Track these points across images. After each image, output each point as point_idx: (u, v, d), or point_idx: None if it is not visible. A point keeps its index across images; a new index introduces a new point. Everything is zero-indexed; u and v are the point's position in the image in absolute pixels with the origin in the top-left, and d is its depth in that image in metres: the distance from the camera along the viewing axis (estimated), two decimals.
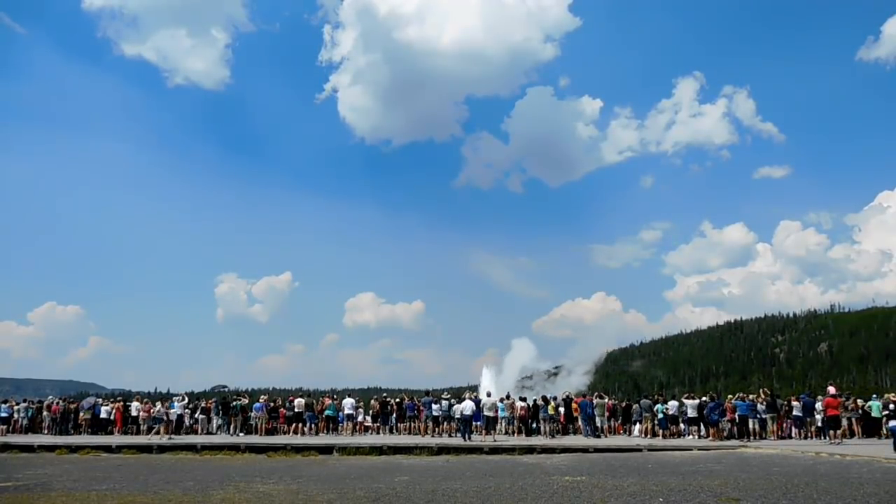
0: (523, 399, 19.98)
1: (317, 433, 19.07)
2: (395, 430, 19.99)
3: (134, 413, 20.56)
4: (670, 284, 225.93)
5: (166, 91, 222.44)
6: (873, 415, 16.89)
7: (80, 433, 19.81)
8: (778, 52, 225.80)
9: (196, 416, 20.09)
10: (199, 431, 19.63)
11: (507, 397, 20.27)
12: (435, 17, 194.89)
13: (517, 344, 40.63)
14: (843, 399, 17.30)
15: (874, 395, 17.94)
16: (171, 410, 19.57)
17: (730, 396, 18.59)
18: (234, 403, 20.07)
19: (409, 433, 19.30)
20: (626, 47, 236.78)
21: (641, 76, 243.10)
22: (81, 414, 20.23)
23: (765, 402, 17.57)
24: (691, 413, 17.84)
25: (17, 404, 21.61)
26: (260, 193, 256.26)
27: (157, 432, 18.53)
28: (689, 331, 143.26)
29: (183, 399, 21.11)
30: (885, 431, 16.13)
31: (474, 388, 32.65)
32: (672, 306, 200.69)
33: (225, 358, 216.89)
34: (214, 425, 20.02)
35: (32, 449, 15.80)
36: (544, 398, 19.74)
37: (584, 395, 22.00)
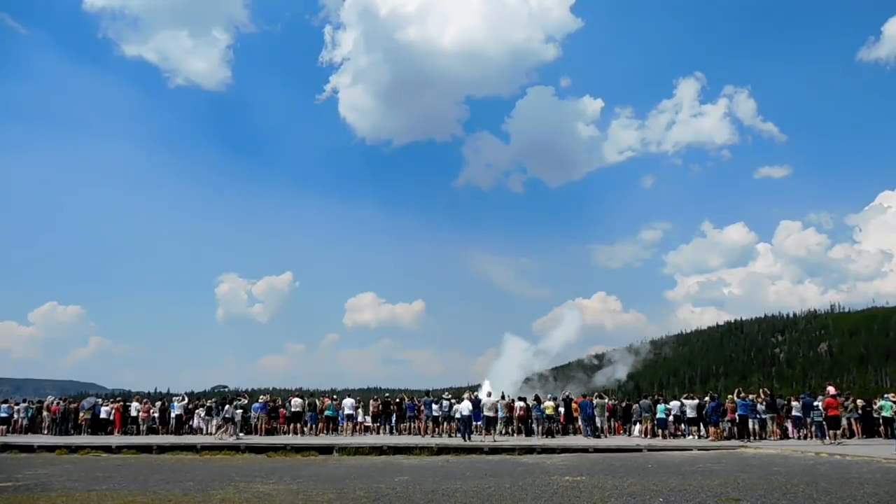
0: (522, 399, 19.97)
1: (317, 433, 19.08)
2: (395, 431, 20.00)
3: (133, 413, 20.59)
4: (670, 284, 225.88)
5: (167, 92, 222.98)
6: (885, 415, 16.86)
7: (80, 433, 19.81)
8: (779, 53, 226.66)
9: (200, 414, 20.18)
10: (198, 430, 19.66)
11: (503, 397, 20.21)
12: (436, 17, 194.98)
13: (566, 315, 37.72)
14: (843, 399, 17.30)
15: (885, 396, 17.89)
16: (228, 409, 18.78)
17: (730, 396, 18.57)
18: (235, 403, 20.03)
19: (409, 433, 19.30)
20: (627, 48, 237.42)
21: (642, 76, 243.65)
22: (81, 414, 20.22)
23: (765, 402, 17.57)
24: (691, 413, 17.84)
25: (17, 404, 21.62)
26: (261, 194, 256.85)
27: (226, 431, 18.04)
28: (689, 331, 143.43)
29: (183, 399, 21.11)
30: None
31: (475, 388, 32.45)
32: (672, 306, 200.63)
33: (225, 358, 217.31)
34: (214, 425, 20.01)
35: (32, 449, 15.79)
36: (537, 398, 19.76)
37: (584, 395, 22.01)
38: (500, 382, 34.17)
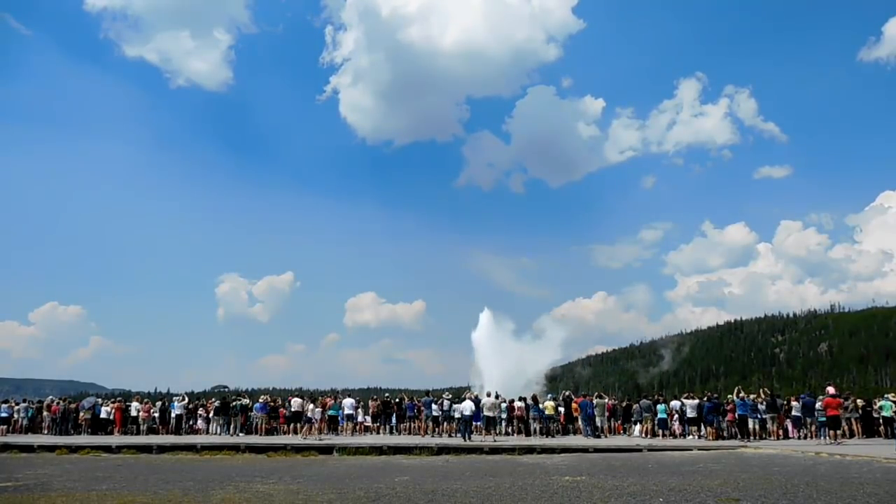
0: (522, 399, 19.95)
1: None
2: (395, 431, 19.99)
3: (134, 413, 20.59)
4: (671, 284, 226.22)
5: (168, 92, 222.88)
6: (885, 415, 16.87)
7: (80, 433, 19.81)
8: (780, 53, 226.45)
9: (209, 416, 20.24)
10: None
11: (497, 397, 20.13)
12: (437, 17, 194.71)
13: (634, 292, 37.55)
14: (843, 399, 17.31)
15: (886, 396, 17.90)
16: (312, 409, 18.39)
17: (730, 396, 18.60)
18: (235, 403, 20.06)
19: (409, 433, 19.30)
20: (628, 48, 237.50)
21: (644, 77, 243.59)
22: (81, 414, 20.24)
23: (765, 402, 17.56)
24: (691, 413, 17.84)
25: (17, 404, 21.62)
26: (262, 194, 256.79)
27: (309, 431, 17.86)
28: (689, 331, 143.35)
29: (183, 399, 21.11)
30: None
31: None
32: (672, 306, 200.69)
33: (225, 358, 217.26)
34: (216, 426, 20.01)
35: (32, 449, 15.80)
36: (535, 398, 19.71)
37: (584, 395, 22.00)
38: (531, 367, 34.31)
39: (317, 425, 18.29)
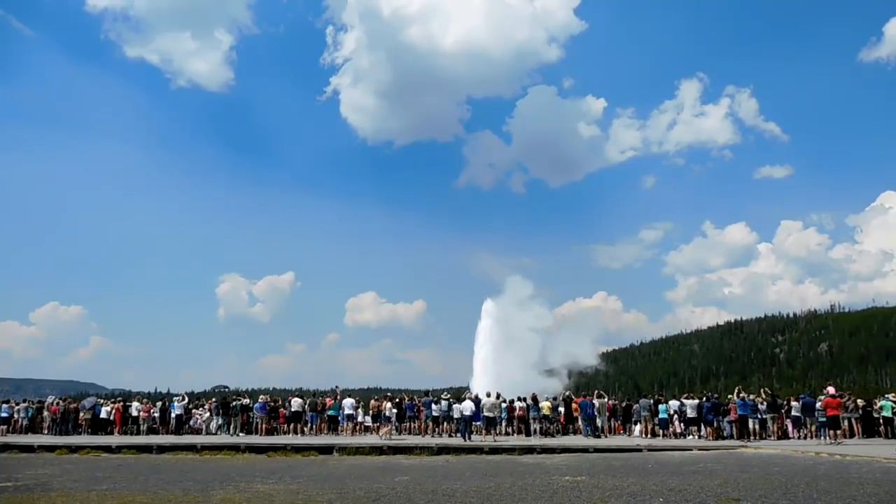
0: (522, 399, 19.95)
1: (317, 433, 19.08)
2: (395, 431, 19.95)
3: (134, 413, 20.59)
4: (671, 284, 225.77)
5: (169, 93, 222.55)
6: (885, 415, 16.87)
7: (80, 433, 19.81)
8: (780, 53, 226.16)
9: (210, 415, 20.23)
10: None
11: (498, 397, 20.12)
12: (438, 17, 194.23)
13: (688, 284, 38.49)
14: (844, 399, 17.32)
15: (886, 396, 17.91)
16: (389, 408, 18.41)
17: (730, 396, 18.60)
18: (234, 403, 20.07)
19: (409, 433, 19.30)
20: (630, 49, 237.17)
21: (645, 77, 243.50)
22: (81, 414, 20.24)
23: (765, 403, 17.57)
24: (691, 413, 17.84)
25: (17, 404, 21.62)
26: (262, 194, 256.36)
27: (388, 430, 17.53)
28: (689, 331, 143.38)
29: (183, 399, 21.11)
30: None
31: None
32: (672, 306, 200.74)
33: (226, 358, 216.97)
34: (214, 425, 20.03)
35: (32, 449, 15.80)
36: (534, 398, 19.73)
37: (584, 395, 21.99)
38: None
39: (394, 424, 18.24)
